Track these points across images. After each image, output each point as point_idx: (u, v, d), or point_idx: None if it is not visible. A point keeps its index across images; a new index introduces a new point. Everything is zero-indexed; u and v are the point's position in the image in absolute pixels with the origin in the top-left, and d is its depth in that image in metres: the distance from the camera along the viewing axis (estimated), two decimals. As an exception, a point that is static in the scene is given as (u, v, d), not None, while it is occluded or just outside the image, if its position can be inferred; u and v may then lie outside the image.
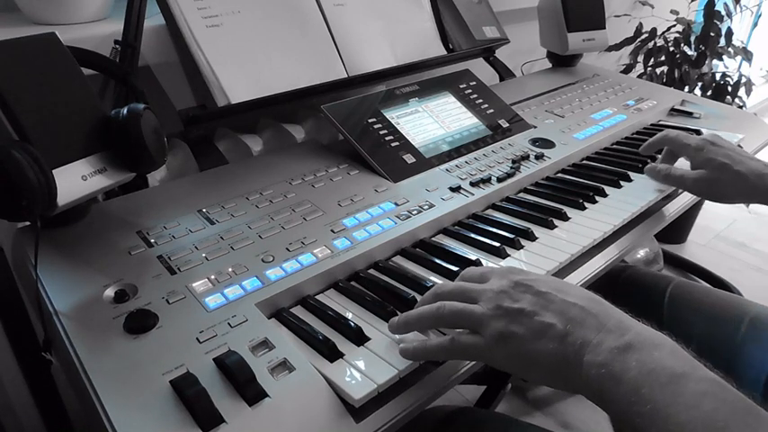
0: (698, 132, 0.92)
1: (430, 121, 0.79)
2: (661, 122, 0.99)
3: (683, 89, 1.56)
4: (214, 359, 0.41)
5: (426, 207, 0.64)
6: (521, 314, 0.40)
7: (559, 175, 0.78)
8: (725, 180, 0.66)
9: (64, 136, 0.49)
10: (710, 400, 0.32)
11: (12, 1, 0.70)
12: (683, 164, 0.73)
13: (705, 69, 1.69)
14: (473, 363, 0.47)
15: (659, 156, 0.76)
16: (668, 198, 0.74)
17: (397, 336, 0.46)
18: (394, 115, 0.77)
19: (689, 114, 1.02)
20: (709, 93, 1.71)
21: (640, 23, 1.71)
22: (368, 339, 0.46)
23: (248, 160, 0.73)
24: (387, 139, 0.73)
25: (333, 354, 0.44)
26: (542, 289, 0.41)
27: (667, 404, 0.32)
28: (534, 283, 0.42)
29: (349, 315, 0.49)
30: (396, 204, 0.63)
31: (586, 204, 0.69)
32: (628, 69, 1.74)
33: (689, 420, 0.31)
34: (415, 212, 0.62)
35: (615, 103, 1.01)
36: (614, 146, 0.89)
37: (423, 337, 0.46)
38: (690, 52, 1.71)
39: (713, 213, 2.06)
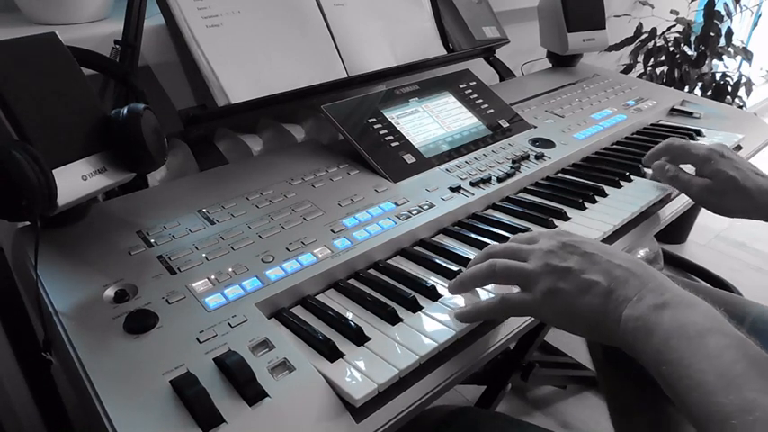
0: (698, 132, 0.92)
1: (430, 121, 0.79)
2: (661, 122, 0.99)
3: (683, 89, 1.56)
4: (214, 359, 0.41)
5: (426, 207, 0.64)
6: (568, 272, 0.43)
7: (559, 175, 0.78)
8: (731, 195, 0.65)
9: (64, 136, 0.49)
10: (732, 353, 0.35)
11: (12, 1, 0.70)
12: (688, 168, 0.72)
13: (705, 69, 1.69)
14: (473, 363, 0.47)
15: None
16: (668, 198, 0.74)
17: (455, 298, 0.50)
18: (394, 115, 0.77)
19: (689, 114, 1.02)
20: (709, 93, 1.71)
21: (640, 23, 1.71)
22: (368, 339, 0.46)
23: (248, 160, 0.73)
24: (387, 139, 0.73)
25: (333, 354, 0.44)
26: (589, 250, 0.44)
27: (692, 354, 0.36)
28: (581, 245, 0.45)
29: (349, 315, 0.49)
30: (396, 204, 0.63)
31: (586, 204, 0.69)
32: (628, 69, 1.74)
33: (709, 369, 0.34)
34: (415, 212, 0.62)
35: (615, 103, 1.01)
36: (614, 146, 0.89)
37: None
38: (690, 52, 1.71)
39: (713, 213, 2.06)
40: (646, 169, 0.76)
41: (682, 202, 0.75)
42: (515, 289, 0.47)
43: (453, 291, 0.51)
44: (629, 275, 0.42)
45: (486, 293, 0.51)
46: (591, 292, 0.42)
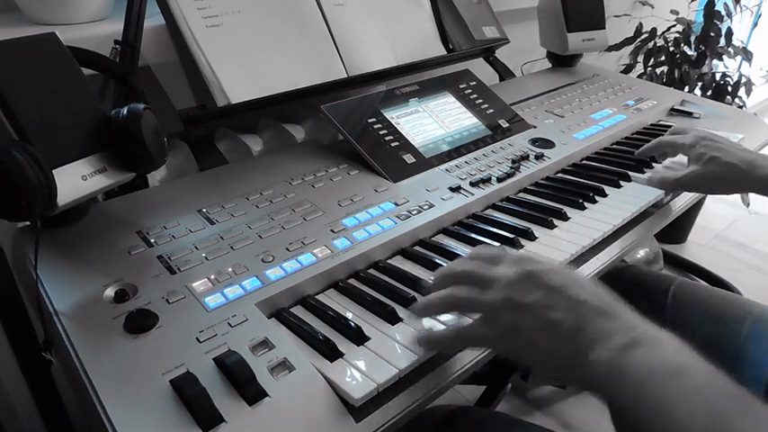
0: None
1: (430, 121, 0.79)
2: (661, 122, 0.99)
3: (683, 89, 1.56)
4: (214, 359, 0.41)
5: (426, 207, 0.64)
6: (531, 308, 0.40)
7: (559, 175, 0.78)
8: (717, 172, 0.67)
9: (64, 136, 0.49)
10: (712, 391, 0.33)
11: (12, 1, 0.70)
12: (682, 158, 0.74)
13: (705, 69, 1.69)
14: (473, 362, 0.47)
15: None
16: (668, 198, 0.74)
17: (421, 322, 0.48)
18: (394, 115, 0.77)
19: (689, 114, 1.02)
20: (709, 93, 1.71)
21: (640, 23, 1.71)
22: (368, 339, 0.46)
23: (248, 160, 0.73)
24: (387, 139, 0.73)
25: (333, 353, 0.44)
26: (554, 284, 0.41)
27: (671, 396, 0.33)
28: (547, 276, 0.41)
29: (349, 315, 0.49)
30: (396, 204, 0.63)
31: (586, 204, 0.69)
32: (628, 69, 1.74)
33: (693, 410, 0.32)
34: (414, 212, 0.62)
35: (615, 103, 1.01)
36: (614, 146, 0.89)
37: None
38: (690, 52, 1.71)
39: (713, 213, 2.07)
40: (643, 174, 0.77)
41: (681, 202, 0.75)
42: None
43: (418, 313, 0.47)
44: (594, 313, 0.39)
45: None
46: (554, 332, 0.39)
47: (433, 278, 0.48)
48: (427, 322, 0.48)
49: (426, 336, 0.45)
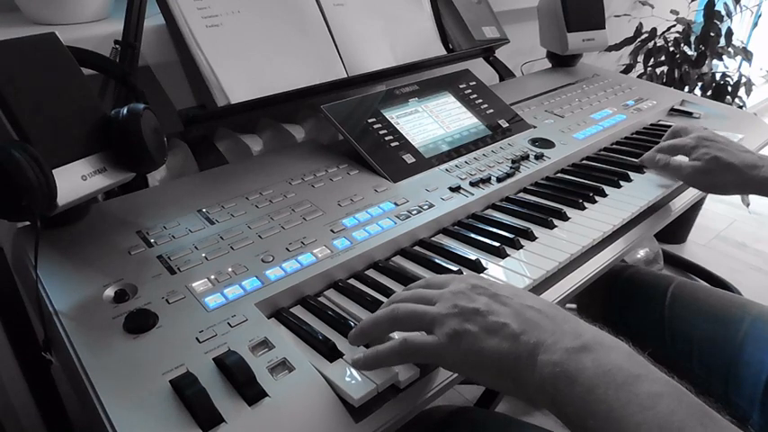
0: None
1: (430, 121, 0.79)
2: (661, 122, 0.99)
3: (683, 89, 1.56)
4: (214, 359, 0.41)
5: (426, 207, 0.64)
6: (476, 313, 0.40)
7: (559, 175, 0.78)
8: (718, 172, 0.68)
9: (64, 136, 0.49)
10: (666, 402, 0.32)
11: (12, 1, 0.70)
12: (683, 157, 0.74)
13: (705, 69, 1.69)
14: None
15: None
16: (668, 198, 0.74)
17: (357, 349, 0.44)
18: (394, 115, 0.77)
19: (689, 114, 1.02)
20: (709, 93, 1.71)
21: (640, 23, 1.71)
22: (368, 339, 0.46)
23: (248, 160, 0.73)
24: (386, 139, 0.73)
25: (332, 353, 0.44)
26: (500, 292, 0.41)
27: (623, 405, 0.32)
28: (492, 287, 0.42)
29: (349, 315, 0.49)
30: (395, 204, 0.63)
31: (586, 204, 0.69)
32: (628, 69, 1.74)
33: (644, 421, 0.31)
34: (414, 212, 0.62)
35: (615, 103, 1.01)
36: (614, 146, 0.89)
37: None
38: (690, 52, 1.71)
39: (713, 213, 2.07)
40: (643, 174, 0.78)
41: (682, 202, 0.75)
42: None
43: (353, 341, 0.44)
44: (540, 317, 0.38)
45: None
46: (499, 335, 0.38)
47: (381, 307, 0.46)
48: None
49: (373, 353, 0.42)
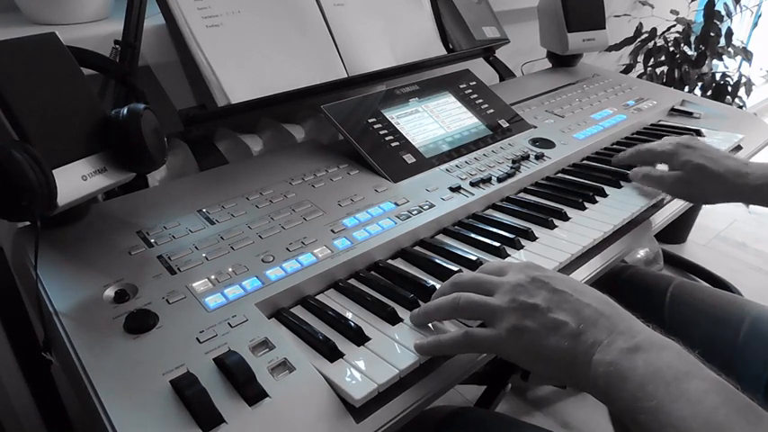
0: (698, 132, 0.92)
1: (430, 121, 0.79)
2: (661, 122, 0.99)
3: (683, 89, 1.56)
4: (214, 359, 0.41)
5: (426, 207, 0.64)
6: (535, 309, 0.41)
7: (559, 175, 0.78)
8: (703, 181, 0.66)
9: (64, 136, 0.49)
10: (713, 398, 0.33)
11: (12, 1, 0.70)
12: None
13: (705, 69, 1.69)
14: (474, 362, 0.47)
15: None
16: (668, 198, 0.74)
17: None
18: (394, 115, 0.77)
19: (689, 114, 1.02)
20: (709, 93, 1.71)
21: (640, 23, 1.71)
22: (368, 339, 0.46)
23: (248, 160, 0.73)
24: (387, 139, 0.73)
25: (333, 354, 0.44)
26: (559, 287, 0.42)
27: (671, 400, 0.33)
28: (551, 281, 0.43)
29: (349, 315, 0.49)
30: (396, 204, 0.63)
31: (586, 204, 0.69)
32: (628, 69, 1.74)
33: (691, 416, 0.32)
34: (415, 212, 0.62)
35: (615, 103, 1.01)
36: (614, 146, 0.88)
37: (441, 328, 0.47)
38: (690, 52, 1.71)
39: (713, 213, 2.06)
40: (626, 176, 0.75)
41: (681, 202, 0.75)
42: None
43: (416, 321, 0.47)
44: (598, 316, 0.40)
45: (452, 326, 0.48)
46: (559, 333, 0.40)
47: (439, 288, 0.48)
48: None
49: (435, 341, 0.44)
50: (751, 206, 1.76)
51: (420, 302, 0.50)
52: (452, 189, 0.68)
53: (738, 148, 0.89)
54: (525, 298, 0.42)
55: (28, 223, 0.53)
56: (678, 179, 0.67)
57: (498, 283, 0.44)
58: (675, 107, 1.04)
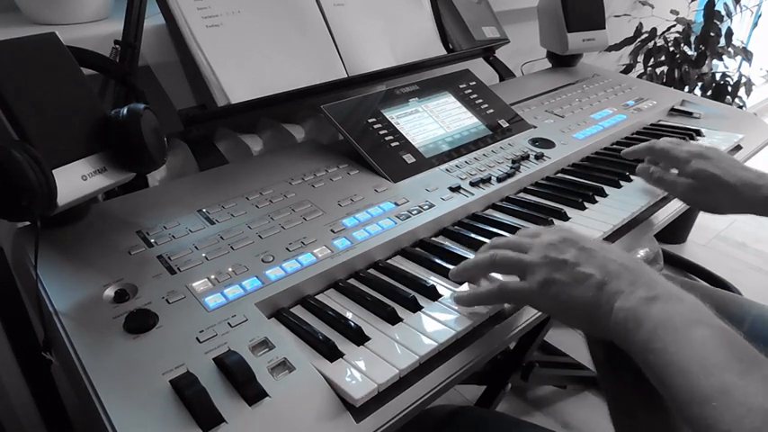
0: (698, 132, 0.92)
1: (430, 121, 0.79)
2: (661, 122, 0.99)
3: (683, 89, 1.56)
4: (214, 359, 0.41)
5: (426, 207, 0.64)
6: (564, 264, 0.45)
7: (559, 175, 0.78)
8: (716, 192, 0.65)
9: (64, 136, 0.49)
10: (715, 342, 0.36)
11: (12, 1, 0.70)
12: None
13: (705, 69, 1.69)
14: (474, 363, 0.47)
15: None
16: (668, 198, 0.74)
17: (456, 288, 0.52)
18: (394, 115, 0.77)
19: (689, 114, 1.02)
20: (709, 93, 1.71)
21: (640, 23, 1.71)
22: (368, 339, 0.46)
23: (248, 160, 0.73)
24: (387, 139, 0.73)
25: (333, 353, 0.44)
26: (587, 245, 0.46)
27: (677, 343, 0.37)
28: (581, 240, 0.47)
29: (349, 315, 0.49)
30: (396, 204, 0.63)
31: (586, 204, 0.69)
32: (628, 69, 1.74)
33: (690, 357, 0.36)
34: (414, 212, 0.62)
35: (615, 103, 1.01)
36: (614, 146, 0.88)
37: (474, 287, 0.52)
38: (690, 52, 1.71)
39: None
40: (635, 172, 0.75)
41: (682, 202, 0.75)
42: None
43: (455, 277, 0.52)
44: (622, 270, 0.43)
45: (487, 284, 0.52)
46: (585, 284, 0.43)
47: (479, 250, 0.53)
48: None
49: (473, 293, 0.49)
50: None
51: (420, 302, 0.50)
52: (452, 189, 0.68)
53: (738, 147, 0.89)
54: (556, 255, 0.46)
55: (28, 223, 0.53)
56: (690, 187, 0.66)
57: (532, 243, 0.48)
58: (675, 107, 1.04)
